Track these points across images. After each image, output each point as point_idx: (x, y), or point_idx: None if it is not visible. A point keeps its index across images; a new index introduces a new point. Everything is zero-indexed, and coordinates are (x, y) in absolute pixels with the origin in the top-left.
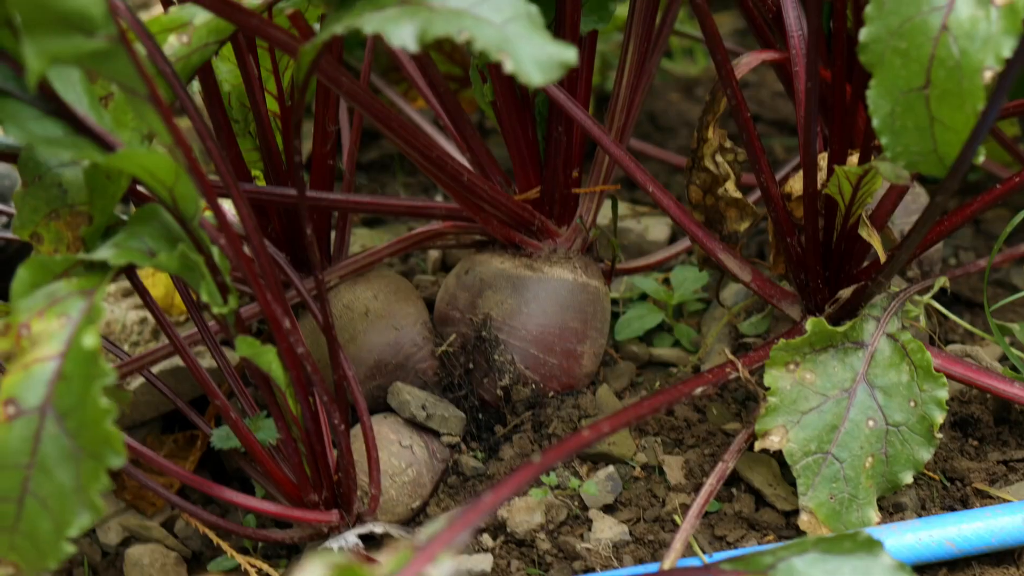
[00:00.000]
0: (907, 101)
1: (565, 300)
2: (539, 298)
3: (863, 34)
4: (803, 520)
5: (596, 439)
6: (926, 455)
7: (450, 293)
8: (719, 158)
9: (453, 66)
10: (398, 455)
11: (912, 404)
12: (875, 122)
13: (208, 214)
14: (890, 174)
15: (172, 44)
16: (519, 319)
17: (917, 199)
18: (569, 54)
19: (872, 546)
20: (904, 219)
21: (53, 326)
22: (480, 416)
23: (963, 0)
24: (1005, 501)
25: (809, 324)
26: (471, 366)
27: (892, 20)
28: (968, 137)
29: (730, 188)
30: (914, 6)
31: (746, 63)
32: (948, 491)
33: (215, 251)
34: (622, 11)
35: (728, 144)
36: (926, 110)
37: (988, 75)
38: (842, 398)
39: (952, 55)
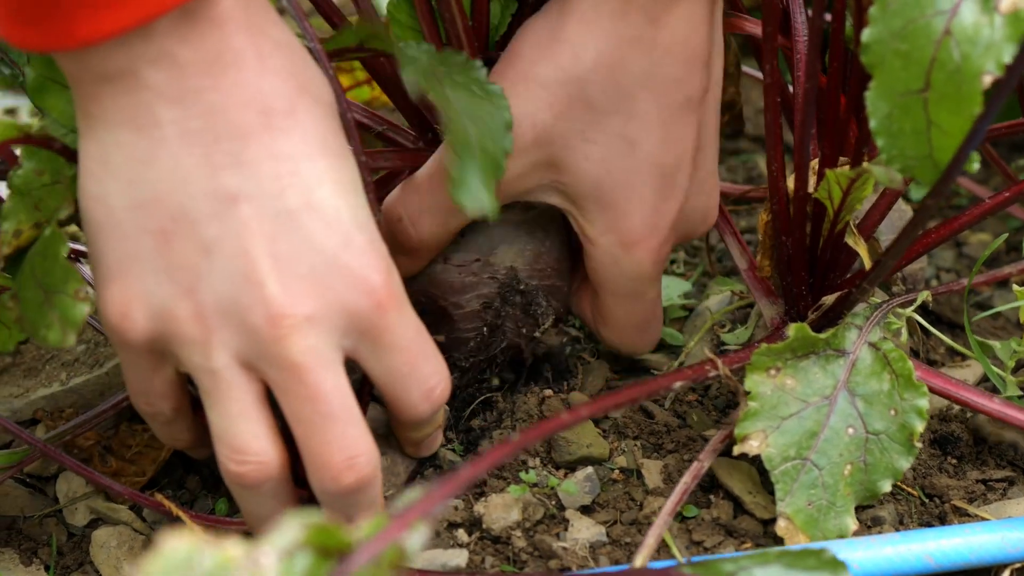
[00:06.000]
0: (905, 104)
1: None
2: None
3: (865, 35)
4: (780, 526)
5: (575, 422)
6: (905, 464)
7: None
8: None
9: None
10: None
11: (892, 413)
12: (872, 123)
13: None
14: (883, 177)
15: None
16: None
17: (903, 216)
18: None
19: (836, 567)
20: (889, 235)
21: None
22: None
23: (968, 6)
24: (983, 519)
25: (792, 330)
26: None
27: (895, 22)
28: (963, 140)
29: None
30: (918, 9)
31: None
32: (926, 507)
33: None
34: None
35: None
36: (924, 113)
37: (987, 79)
38: (823, 405)
39: (953, 59)
